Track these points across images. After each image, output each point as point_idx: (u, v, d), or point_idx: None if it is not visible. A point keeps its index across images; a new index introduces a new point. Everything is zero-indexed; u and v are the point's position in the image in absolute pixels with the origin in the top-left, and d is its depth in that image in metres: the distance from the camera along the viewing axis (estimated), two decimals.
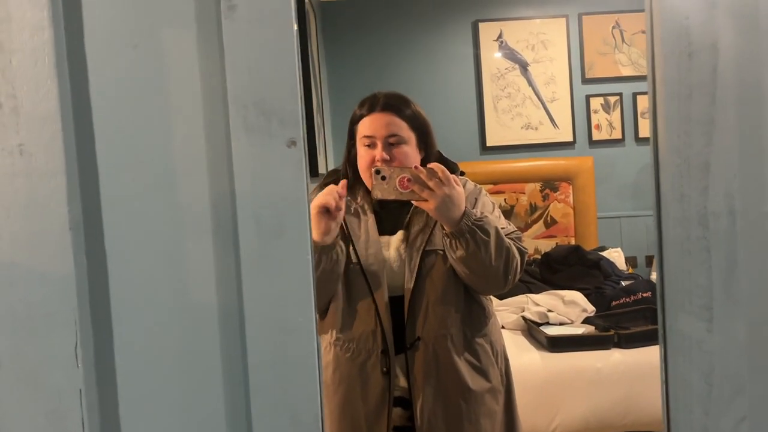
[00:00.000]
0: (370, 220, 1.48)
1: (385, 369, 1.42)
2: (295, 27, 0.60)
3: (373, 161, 1.42)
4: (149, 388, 0.62)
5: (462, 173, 1.52)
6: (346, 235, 1.45)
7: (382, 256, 1.45)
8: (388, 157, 1.41)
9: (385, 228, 1.50)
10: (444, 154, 1.54)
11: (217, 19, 0.59)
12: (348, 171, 1.53)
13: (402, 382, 1.45)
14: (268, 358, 0.61)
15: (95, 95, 0.60)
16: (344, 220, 1.46)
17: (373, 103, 1.46)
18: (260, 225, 0.60)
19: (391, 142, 1.43)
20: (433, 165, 1.34)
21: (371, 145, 1.44)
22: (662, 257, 0.61)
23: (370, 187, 1.42)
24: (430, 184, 1.31)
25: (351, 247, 1.45)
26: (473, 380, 1.45)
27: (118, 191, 0.61)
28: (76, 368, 0.59)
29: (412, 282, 1.42)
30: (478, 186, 1.56)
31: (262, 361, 0.61)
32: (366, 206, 1.50)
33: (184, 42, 0.60)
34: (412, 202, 1.38)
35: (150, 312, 0.62)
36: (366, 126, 1.45)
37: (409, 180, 1.33)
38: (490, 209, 1.49)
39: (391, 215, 1.50)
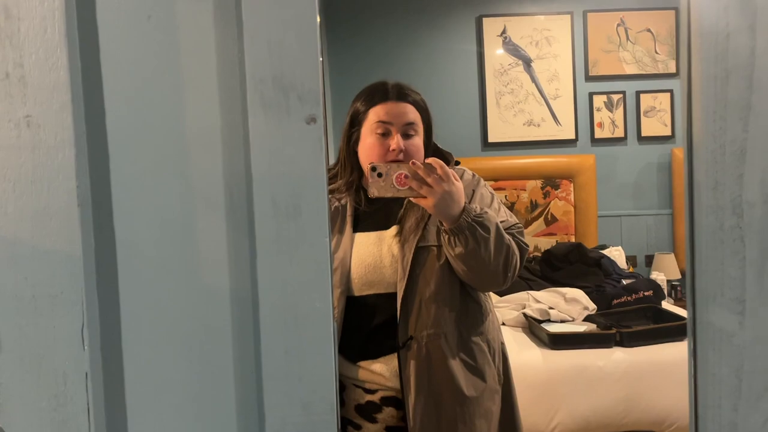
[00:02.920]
0: (347, 224, 1.44)
1: None
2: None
3: (387, 151, 1.37)
4: (157, 372, 0.60)
5: (457, 163, 1.48)
6: None
7: (348, 261, 1.41)
8: (403, 147, 1.37)
9: (379, 223, 1.45)
10: (442, 148, 1.50)
11: None
12: (344, 162, 1.49)
13: (394, 382, 1.42)
14: (282, 344, 0.58)
15: (106, 66, 0.57)
16: None
17: (386, 92, 1.41)
18: (277, 205, 0.57)
19: (408, 132, 1.39)
20: (431, 160, 1.29)
21: (385, 134, 1.39)
22: (693, 247, 0.59)
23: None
24: (429, 180, 1.27)
25: None
26: (468, 382, 1.40)
27: (129, 167, 0.58)
28: (82, 351, 0.57)
29: (405, 279, 1.38)
30: (477, 176, 1.50)
31: (276, 347, 0.58)
32: (348, 205, 1.46)
33: (200, 13, 0.57)
34: (411, 199, 1.33)
35: (159, 294, 0.59)
36: (381, 113, 1.39)
37: (406, 176, 1.28)
38: (488, 202, 1.45)
39: (385, 209, 1.46)
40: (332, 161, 1.57)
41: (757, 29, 0.56)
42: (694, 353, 0.60)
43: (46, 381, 0.57)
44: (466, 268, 1.34)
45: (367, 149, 1.41)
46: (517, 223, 1.46)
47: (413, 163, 1.29)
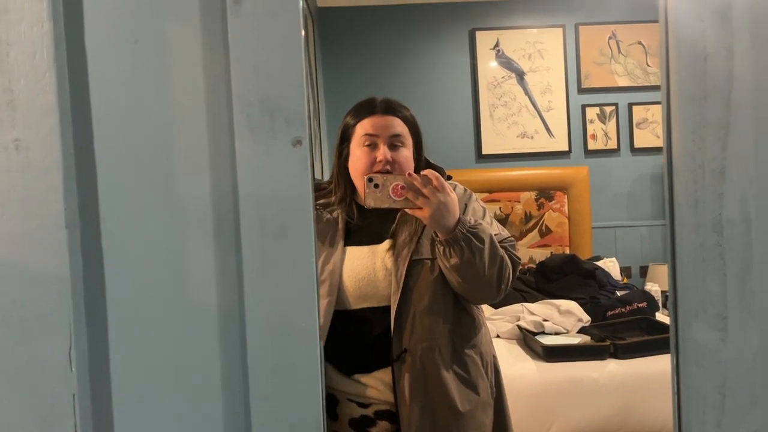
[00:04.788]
0: (338, 237, 1.45)
1: None
2: (303, 31, 0.58)
3: (373, 162, 1.39)
4: (145, 394, 0.60)
5: (449, 177, 1.50)
6: None
7: (339, 273, 1.42)
8: (390, 158, 1.38)
9: (371, 237, 1.46)
10: (437, 162, 1.51)
11: (222, 14, 0.57)
12: (337, 177, 1.50)
13: (388, 396, 1.42)
14: (270, 365, 0.59)
15: (94, 90, 0.58)
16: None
17: (373, 106, 1.43)
18: (263, 226, 0.58)
19: (395, 144, 1.40)
20: (426, 172, 1.31)
21: (372, 146, 1.40)
22: (675, 264, 0.60)
23: (362, 192, 1.38)
24: (425, 191, 1.28)
25: None
26: (461, 395, 1.40)
27: (117, 189, 0.59)
28: (69, 372, 0.57)
29: (399, 292, 1.38)
30: (468, 191, 1.52)
31: (263, 367, 0.59)
32: (340, 219, 1.47)
33: (187, 37, 0.58)
34: (406, 210, 1.34)
35: (147, 315, 0.60)
36: (368, 126, 1.41)
37: (402, 187, 1.29)
38: (480, 215, 1.46)
39: (377, 223, 1.47)
40: (326, 177, 1.59)
41: (735, 52, 0.57)
42: (677, 369, 0.61)
43: (34, 402, 0.57)
44: (460, 279, 1.35)
45: (355, 161, 1.43)
46: (509, 237, 1.47)
47: (409, 175, 1.30)
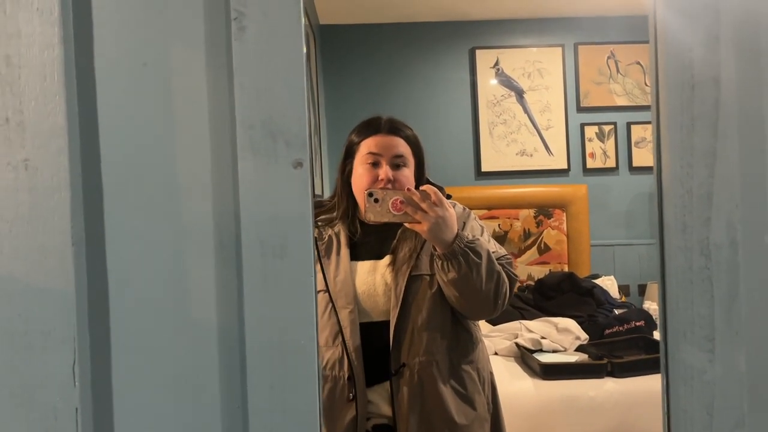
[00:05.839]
0: (342, 248, 1.48)
1: (351, 396, 1.41)
2: (304, 49, 0.60)
3: (375, 180, 1.42)
4: (146, 408, 0.61)
5: (449, 196, 1.53)
6: (318, 261, 1.46)
7: (351, 282, 1.45)
8: (392, 177, 1.41)
9: (373, 252, 1.49)
10: (437, 178, 1.55)
11: (227, 40, 0.59)
12: (340, 193, 1.53)
13: (386, 409, 1.43)
14: (268, 381, 0.60)
15: (102, 112, 0.60)
16: (316, 246, 1.47)
17: (378, 125, 1.47)
18: (264, 245, 0.60)
19: (397, 163, 1.44)
20: (425, 187, 1.35)
21: (375, 164, 1.44)
22: (664, 286, 0.61)
23: (363, 208, 1.41)
24: (423, 206, 1.32)
25: (321, 274, 1.45)
26: (458, 410, 1.42)
27: (122, 209, 0.60)
28: (73, 387, 0.58)
29: (398, 307, 1.41)
30: (467, 209, 1.55)
31: (262, 383, 0.60)
32: (342, 233, 1.50)
33: (193, 61, 0.60)
34: (405, 224, 1.38)
35: (149, 331, 0.61)
36: (372, 145, 1.45)
37: (402, 202, 1.33)
38: (478, 233, 1.49)
39: (378, 239, 1.50)
40: (327, 193, 1.62)
41: (721, 81, 0.59)
42: (666, 389, 0.62)
43: (37, 416, 0.59)
44: (458, 293, 1.37)
45: (358, 179, 1.46)
46: (507, 255, 1.50)
47: (408, 190, 1.34)
